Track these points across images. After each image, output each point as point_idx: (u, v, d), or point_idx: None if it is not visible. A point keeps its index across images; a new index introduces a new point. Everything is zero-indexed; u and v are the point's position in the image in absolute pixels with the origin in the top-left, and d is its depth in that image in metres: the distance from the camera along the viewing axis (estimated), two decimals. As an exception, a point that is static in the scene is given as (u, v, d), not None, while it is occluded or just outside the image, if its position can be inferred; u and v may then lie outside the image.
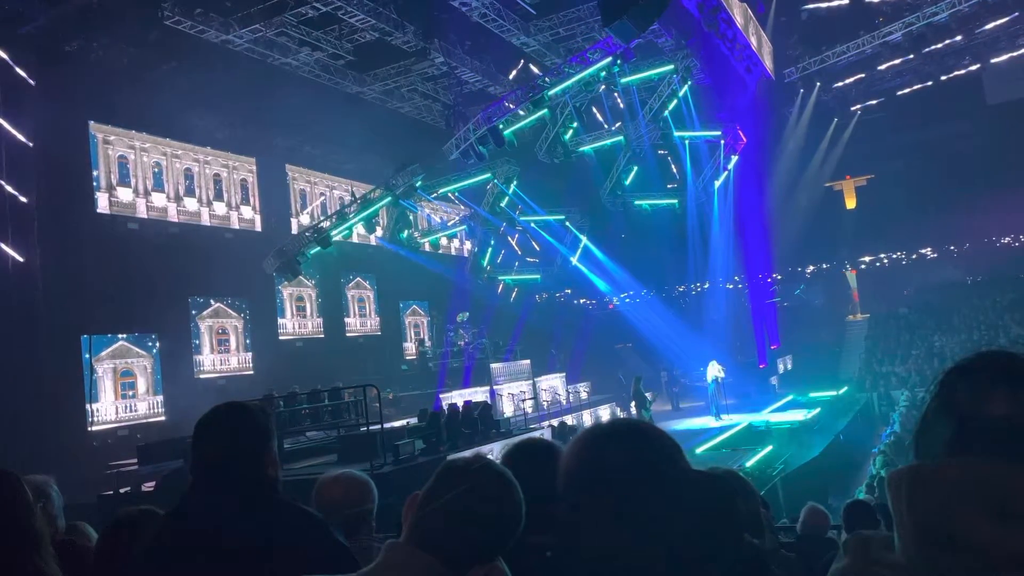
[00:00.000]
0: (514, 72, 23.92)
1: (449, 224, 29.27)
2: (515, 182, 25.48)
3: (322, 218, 23.51)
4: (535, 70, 23.45)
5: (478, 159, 22.22)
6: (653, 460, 1.32)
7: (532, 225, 27.35)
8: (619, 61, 20.86)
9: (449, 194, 26.36)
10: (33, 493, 2.36)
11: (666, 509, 1.24)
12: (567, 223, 26.92)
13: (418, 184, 23.53)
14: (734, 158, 24.53)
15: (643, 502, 1.25)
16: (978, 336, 25.67)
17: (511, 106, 21.37)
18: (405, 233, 25.27)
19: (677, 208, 25.58)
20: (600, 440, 1.37)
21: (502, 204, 26.17)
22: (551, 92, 21.16)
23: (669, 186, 26.71)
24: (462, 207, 28.23)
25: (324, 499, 2.84)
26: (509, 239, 28.74)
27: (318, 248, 22.08)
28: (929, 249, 32.27)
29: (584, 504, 1.30)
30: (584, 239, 27.29)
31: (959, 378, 1.17)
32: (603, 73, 21.15)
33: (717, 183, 25.25)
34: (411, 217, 26.44)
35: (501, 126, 21.18)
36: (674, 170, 27.52)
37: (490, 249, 27.03)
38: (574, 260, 27.59)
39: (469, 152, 21.75)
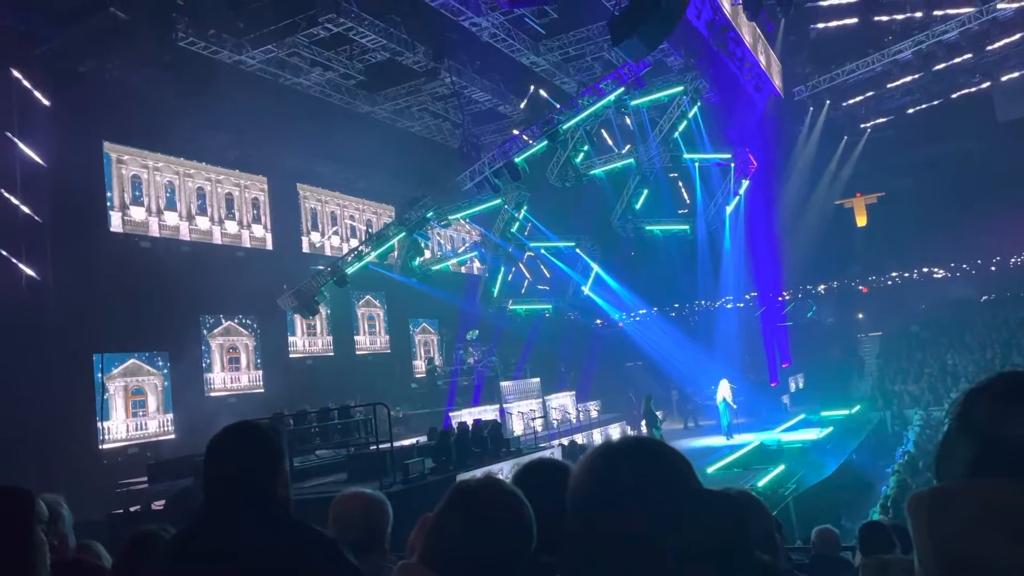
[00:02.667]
0: (525, 101, 24.06)
1: (460, 251, 29.27)
2: (525, 207, 25.41)
3: (337, 259, 23.34)
4: (544, 94, 23.61)
5: (493, 191, 22.36)
6: (665, 478, 1.31)
7: (543, 251, 27.25)
8: (631, 89, 21.13)
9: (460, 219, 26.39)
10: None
11: (677, 526, 1.23)
12: (578, 250, 26.81)
13: (430, 215, 23.53)
14: (745, 183, 24.56)
15: (654, 519, 1.24)
16: (991, 354, 25.46)
17: (528, 140, 21.60)
18: (417, 261, 25.14)
19: (689, 234, 25.57)
20: (612, 457, 1.37)
21: (513, 229, 26.04)
22: (566, 126, 21.41)
23: (680, 212, 26.70)
24: (473, 232, 28.23)
25: (339, 517, 2.82)
26: (520, 265, 28.68)
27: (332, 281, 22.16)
28: (940, 267, 32.10)
29: (595, 521, 1.29)
30: (596, 268, 27.13)
31: (978, 399, 1.16)
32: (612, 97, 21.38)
33: (729, 208, 25.22)
34: (422, 244, 26.29)
35: (515, 158, 21.39)
36: (685, 196, 27.52)
37: (500, 277, 26.82)
38: (586, 290, 27.48)
39: (484, 184, 21.97)
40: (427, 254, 26.91)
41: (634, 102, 22.10)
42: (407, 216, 23.37)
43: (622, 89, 21.13)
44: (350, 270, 22.49)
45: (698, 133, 24.01)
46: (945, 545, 1.01)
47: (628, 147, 24.84)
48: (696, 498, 1.30)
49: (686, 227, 25.60)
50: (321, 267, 23.05)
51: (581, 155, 24.00)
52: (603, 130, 25.08)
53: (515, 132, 22.74)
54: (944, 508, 1.03)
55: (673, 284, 29.54)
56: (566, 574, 1.37)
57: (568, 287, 28.11)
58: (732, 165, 23.97)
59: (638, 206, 25.31)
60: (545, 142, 21.56)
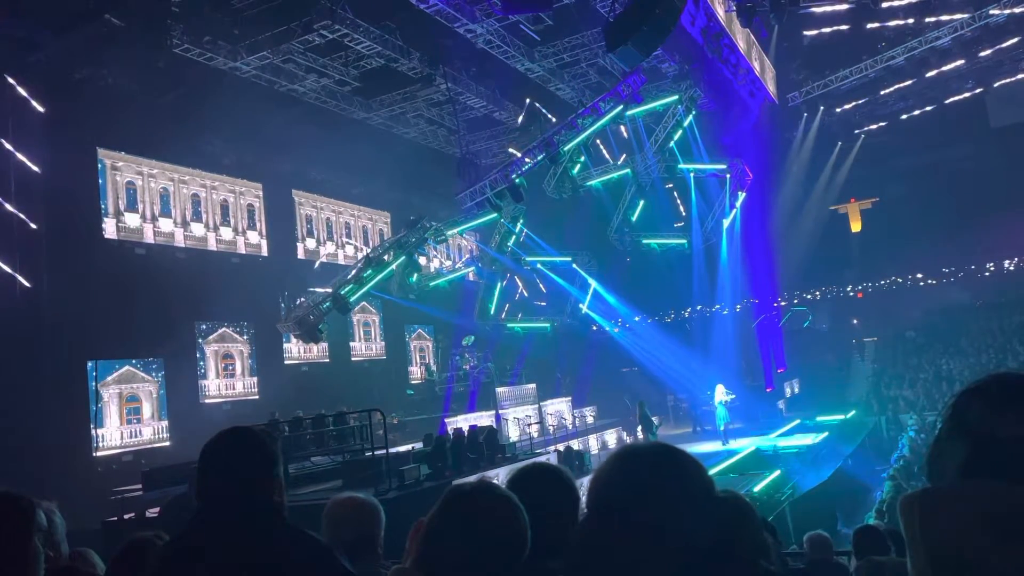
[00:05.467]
0: (522, 115, 24.08)
1: (457, 266, 29.13)
2: (522, 221, 25.21)
3: (337, 283, 22.97)
4: (540, 107, 23.66)
5: (495, 210, 22.31)
6: (681, 480, 1.33)
7: (539, 266, 27.06)
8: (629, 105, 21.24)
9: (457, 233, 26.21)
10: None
11: (690, 526, 1.25)
12: (575, 264, 26.64)
13: (428, 236, 23.35)
14: (741, 195, 24.64)
15: (669, 518, 1.26)
16: (986, 359, 25.53)
17: (529, 161, 21.65)
18: (415, 276, 24.87)
19: (686, 248, 25.61)
20: (633, 459, 1.40)
21: (509, 243, 25.68)
22: (567, 147, 21.45)
23: (676, 224, 26.67)
24: (470, 243, 28.10)
25: (332, 522, 2.82)
26: (516, 279, 28.50)
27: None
28: (935, 272, 32.19)
29: (614, 517, 1.30)
30: (593, 284, 26.97)
31: (971, 400, 1.17)
32: None
33: (726, 222, 25.26)
34: (419, 260, 25.87)
35: (517, 180, 21.42)
36: (682, 210, 27.49)
37: (496, 292, 26.51)
38: (584, 308, 27.37)
39: (485, 204, 21.97)
40: (423, 261, 26.77)
41: (629, 112, 22.15)
42: (406, 240, 23.09)
43: (621, 107, 21.26)
44: (352, 297, 22.18)
45: (694, 141, 24.06)
46: (937, 546, 1.01)
47: (624, 157, 24.84)
48: (711, 504, 1.32)
49: (683, 241, 25.62)
50: (319, 289, 22.62)
51: (578, 166, 23.97)
52: (598, 140, 25.06)
53: (517, 154, 22.66)
54: (936, 509, 1.03)
55: (670, 292, 29.58)
56: (576, 568, 1.39)
57: (566, 302, 27.96)
58: (728, 177, 24.05)
59: (634, 218, 25.25)
60: (543, 158, 21.65)
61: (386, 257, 22.78)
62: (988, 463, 1.08)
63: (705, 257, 26.78)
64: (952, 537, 1.00)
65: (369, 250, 24.72)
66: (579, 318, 27.77)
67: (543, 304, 29.36)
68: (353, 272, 22.56)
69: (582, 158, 23.69)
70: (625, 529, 1.28)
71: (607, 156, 25.61)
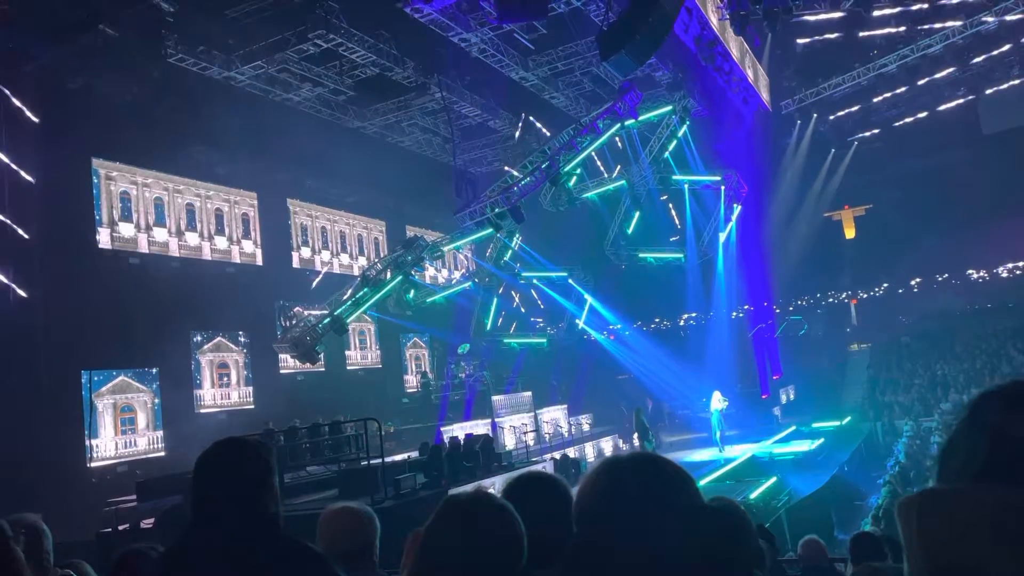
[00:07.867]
0: (519, 130, 24.11)
1: (454, 282, 29.04)
2: (518, 235, 25.12)
3: (333, 303, 22.68)
4: (537, 123, 23.69)
5: (495, 230, 22.30)
6: (666, 493, 1.32)
7: (535, 282, 26.95)
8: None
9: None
10: (26, 532, 2.34)
11: (677, 540, 1.24)
12: (571, 280, 26.52)
13: (424, 254, 23.25)
14: (737, 208, 24.65)
15: (655, 533, 1.25)
16: (980, 364, 25.57)
17: (530, 181, 21.70)
18: (411, 293, 24.68)
19: (683, 262, 25.61)
20: (616, 472, 1.39)
21: (505, 257, 25.48)
22: (567, 168, 21.51)
23: (672, 239, 26.71)
24: (465, 255, 28.05)
25: (326, 532, 2.81)
26: (513, 293, 28.40)
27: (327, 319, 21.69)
28: (929, 278, 32.29)
29: (598, 532, 1.30)
30: (590, 299, 26.86)
31: (991, 401, 1.17)
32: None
33: (722, 236, 25.29)
34: (416, 277, 25.70)
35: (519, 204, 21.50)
36: (677, 222, 27.51)
37: (492, 308, 26.37)
38: (580, 323, 27.32)
39: (485, 223, 21.99)
40: (421, 271, 26.61)
41: (625, 123, 22.23)
42: (402, 259, 22.98)
43: (619, 125, 21.31)
44: (348, 317, 22.03)
45: (688, 151, 24.11)
46: (934, 550, 1.01)
47: (619, 168, 24.88)
48: (696, 515, 1.31)
49: (680, 255, 25.64)
50: (316, 312, 22.56)
51: (574, 179, 23.98)
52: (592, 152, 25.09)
53: (515, 173, 22.61)
54: (933, 513, 1.03)
55: (665, 300, 29.57)
56: None
57: (563, 316, 27.86)
58: (722, 188, 24.10)
59: (630, 230, 25.22)
60: (541, 175, 21.71)
61: (383, 276, 22.66)
62: (1004, 464, 1.08)
63: (700, 266, 26.80)
64: (950, 540, 1.00)
65: (365, 266, 24.60)
66: (576, 333, 27.67)
67: (539, 320, 29.24)
68: (349, 292, 22.46)
69: (578, 171, 23.73)
70: (611, 543, 1.27)
71: (601, 168, 25.64)
